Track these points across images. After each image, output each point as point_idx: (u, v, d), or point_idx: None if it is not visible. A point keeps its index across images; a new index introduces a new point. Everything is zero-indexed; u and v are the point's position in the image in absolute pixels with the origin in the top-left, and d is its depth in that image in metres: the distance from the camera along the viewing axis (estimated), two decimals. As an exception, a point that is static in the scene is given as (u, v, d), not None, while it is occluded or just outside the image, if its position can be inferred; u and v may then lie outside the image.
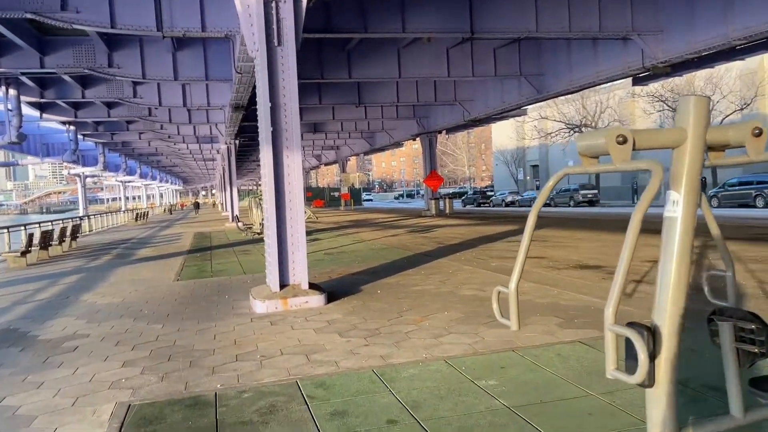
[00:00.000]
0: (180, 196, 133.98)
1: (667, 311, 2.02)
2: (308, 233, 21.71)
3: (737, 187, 30.76)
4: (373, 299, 7.84)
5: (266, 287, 8.03)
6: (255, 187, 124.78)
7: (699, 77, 35.73)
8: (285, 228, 7.91)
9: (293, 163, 7.93)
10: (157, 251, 17.98)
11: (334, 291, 8.50)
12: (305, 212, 8.38)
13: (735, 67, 35.31)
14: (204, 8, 13.24)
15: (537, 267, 10.01)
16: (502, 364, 4.73)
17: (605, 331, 1.93)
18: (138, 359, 5.57)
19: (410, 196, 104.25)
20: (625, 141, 2.04)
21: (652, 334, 1.96)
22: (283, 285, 7.80)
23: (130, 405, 4.32)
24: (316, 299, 7.58)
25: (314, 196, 71.31)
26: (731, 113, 34.99)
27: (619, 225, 18.96)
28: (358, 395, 4.22)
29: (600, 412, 3.69)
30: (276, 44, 7.76)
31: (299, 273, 7.85)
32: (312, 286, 7.97)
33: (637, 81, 22.84)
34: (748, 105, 33.89)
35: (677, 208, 2.10)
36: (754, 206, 29.43)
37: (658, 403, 1.97)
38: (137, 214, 47.15)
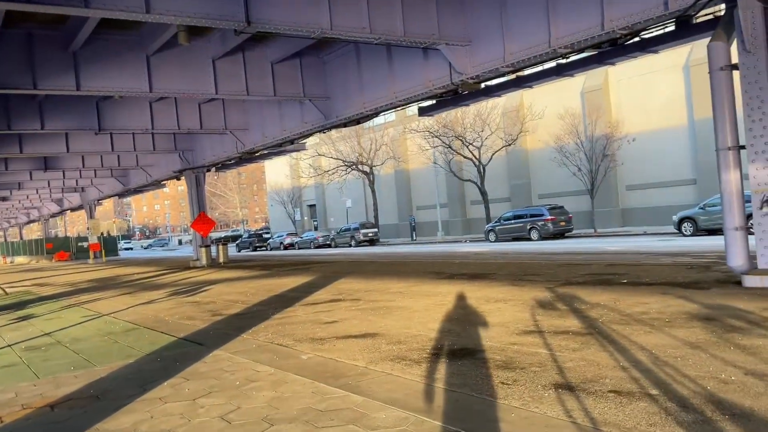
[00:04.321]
0: None
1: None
2: (20, 306, 15.38)
3: (512, 221, 31.16)
4: None
5: None
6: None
7: (469, 113, 36.33)
8: None
9: None
10: None
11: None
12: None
13: (499, 104, 36.68)
14: None
15: (382, 358, 6.24)
16: None
17: None
18: None
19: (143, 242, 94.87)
20: None
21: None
22: None
23: None
24: None
25: (56, 247, 59.85)
26: (499, 149, 36.05)
27: (425, 267, 16.24)
28: None
29: None
30: None
31: None
32: None
33: (423, 111, 21.10)
34: (515, 141, 35.14)
35: None
36: (529, 239, 29.88)
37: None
38: None
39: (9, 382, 6.77)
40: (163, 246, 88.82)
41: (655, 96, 30.45)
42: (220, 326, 9.41)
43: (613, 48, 14.98)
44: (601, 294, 9.31)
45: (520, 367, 5.43)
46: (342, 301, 11.04)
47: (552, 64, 17.39)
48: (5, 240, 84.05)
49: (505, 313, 8.28)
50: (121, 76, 15.18)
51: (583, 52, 14.44)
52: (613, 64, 17.79)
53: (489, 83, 17.93)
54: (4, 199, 46.65)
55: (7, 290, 21.63)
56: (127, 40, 15.07)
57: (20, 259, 65.25)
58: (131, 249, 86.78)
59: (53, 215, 63.64)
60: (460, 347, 6.45)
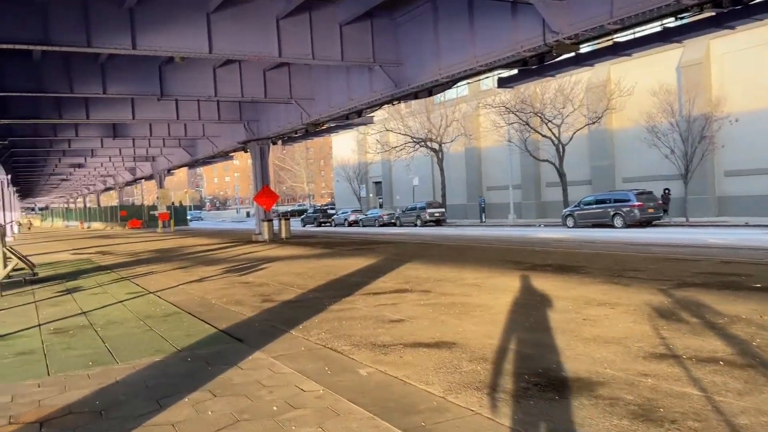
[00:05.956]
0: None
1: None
2: (73, 276, 14.61)
3: (594, 206, 28.74)
4: None
5: None
6: (66, 205, 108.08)
7: (550, 88, 33.84)
8: None
9: None
10: None
11: None
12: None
13: (583, 79, 33.98)
14: None
15: (464, 384, 4.70)
16: None
17: None
18: None
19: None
20: None
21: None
22: None
23: None
24: None
25: (129, 215, 61.39)
26: (582, 127, 33.43)
27: (501, 254, 14.46)
28: None
29: None
30: None
31: None
32: None
33: (503, 82, 19.24)
34: (600, 119, 32.43)
35: None
36: (612, 226, 27.44)
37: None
38: None
39: (15, 377, 5.69)
40: (196, 220, 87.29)
41: (765, 71, 27.08)
42: (267, 317, 8.12)
43: (737, 8, 12.73)
44: (734, 302, 7.42)
45: (670, 420, 3.78)
46: (409, 293, 9.56)
47: (657, 28, 15.19)
48: (84, 206, 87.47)
49: (616, 324, 6.57)
50: (179, 36, 14.09)
51: (703, 8, 12.19)
52: (732, 27, 15.37)
53: (581, 51, 15.91)
54: (79, 165, 47.75)
55: (71, 257, 21.45)
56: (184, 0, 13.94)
57: (96, 225, 67.50)
58: (201, 219, 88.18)
59: (127, 183, 65.23)
60: (570, 374, 4.83)
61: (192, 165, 45.51)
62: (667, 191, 28.12)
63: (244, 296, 10.06)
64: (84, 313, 9.17)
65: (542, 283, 9.85)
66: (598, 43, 16.04)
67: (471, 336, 6.34)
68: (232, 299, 9.78)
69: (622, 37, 15.67)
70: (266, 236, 26.20)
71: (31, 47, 13.02)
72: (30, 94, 18.63)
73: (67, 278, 14.31)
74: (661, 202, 27.20)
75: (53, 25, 12.86)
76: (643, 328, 6.31)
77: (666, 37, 15.33)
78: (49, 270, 16.56)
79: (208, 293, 10.62)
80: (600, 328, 6.38)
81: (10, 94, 18.12)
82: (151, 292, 11.07)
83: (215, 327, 7.48)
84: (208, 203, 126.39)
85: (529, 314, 7.36)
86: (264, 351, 6.11)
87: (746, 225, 24.41)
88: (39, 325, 8.35)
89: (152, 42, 13.85)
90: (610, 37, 14.36)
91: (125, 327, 7.88)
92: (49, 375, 5.73)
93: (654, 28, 14.88)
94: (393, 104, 22.41)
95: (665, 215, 27.88)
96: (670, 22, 14.27)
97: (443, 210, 40.59)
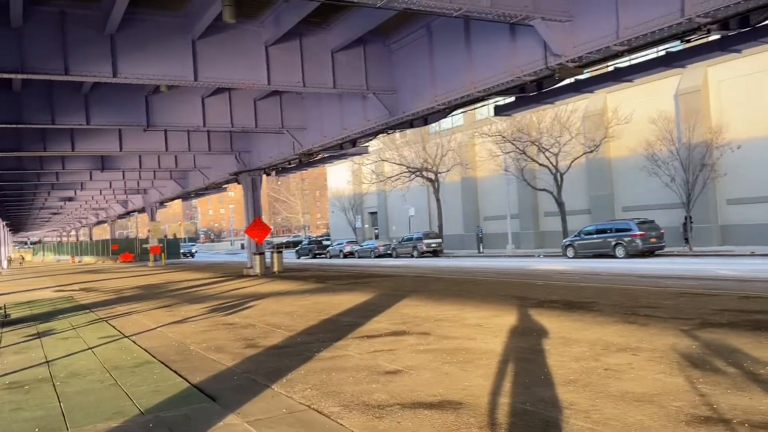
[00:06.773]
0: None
1: None
2: (48, 317, 13.56)
3: (595, 236, 28.06)
4: None
5: None
6: (59, 238, 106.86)
7: (546, 117, 33.39)
8: None
9: None
10: None
11: None
12: None
13: (580, 108, 33.61)
14: None
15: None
16: None
17: None
18: None
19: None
20: None
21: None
22: None
23: None
24: None
25: (121, 249, 60.36)
26: (579, 156, 32.90)
27: (503, 289, 13.60)
28: None
29: None
30: None
31: None
32: None
33: (500, 110, 18.60)
34: (597, 147, 31.91)
35: None
36: (614, 256, 26.71)
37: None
38: None
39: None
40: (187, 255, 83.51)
41: (764, 98, 26.69)
42: (249, 367, 7.25)
43: (743, 30, 12.20)
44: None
45: None
46: (407, 335, 8.71)
47: (660, 53, 14.76)
48: (77, 240, 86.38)
49: (644, 375, 5.74)
50: (162, 63, 13.47)
51: (712, 28, 11.64)
52: (738, 51, 14.77)
53: (580, 77, 15.43)
54: (70, 199, 46.96)
55: (52, 295, 20.51)
56: (170, 22, 13.37)
57: (87, 259, 66.44)
58: (196, 252, 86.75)
59: (120, 216, 64.34)
60: (602, 448, 4.00)
61: (184, 197, 44.76)
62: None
63: (226, 341, 9.19)
64: (48, 362, 8.29)
65: (552, 322, 9.02)
66: (598, 69, 15.56)
67: (479, 392, 5.49)
68: (212, 344, 8.90)
69: (625, 62, 15.20)
70: (258, 270, 25.31)
71: (4, 75, 12.34)
72: (11, 126, 17.93)
73: (41, 319, 13.39)
74: (661, 231, 26.54)
75: (29, 53, 12.22)
76: (676, 380, 5.49)
77: (669, 62, 14.81)
78: (25, 310, 15.66)
79: (188, 337, 9.74)
80: (627, 381, 5.55)
81: (-10, 126, 17.46)
82: (126, 336, 10.19)
83: (188, 381, 6.61)
84: (202, 235, 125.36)
85: (543, 363, 6.53)
86: (238, 414, 5.26)
87: (752, 254, 23.69)
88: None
89: (134, 70, 13.21)
90: (611, 62, 13.89)
91: (87, 380, 7.01)
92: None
93: (656, 53, 14.46)
94: (388, 133, 21.80)
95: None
96: (675, 46, 13.81)
97: (440, 241, 39.83)
